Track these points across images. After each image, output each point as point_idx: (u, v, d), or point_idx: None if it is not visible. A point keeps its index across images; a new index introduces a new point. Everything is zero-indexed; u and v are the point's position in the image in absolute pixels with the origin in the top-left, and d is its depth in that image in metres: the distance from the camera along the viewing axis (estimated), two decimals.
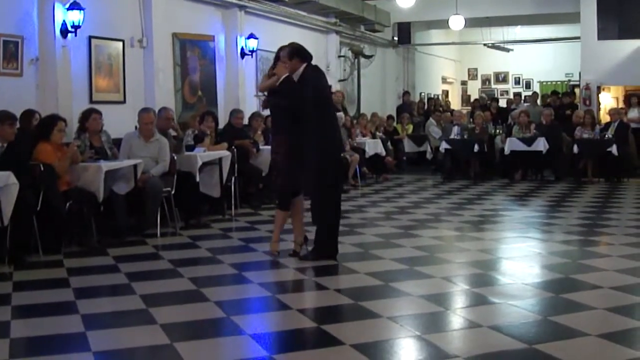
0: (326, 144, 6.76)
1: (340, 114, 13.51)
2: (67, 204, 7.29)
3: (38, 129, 7.82)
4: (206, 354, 4.32)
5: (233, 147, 9.99)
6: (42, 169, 7.13)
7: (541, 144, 13.76)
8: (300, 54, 6.80)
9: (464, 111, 18.67)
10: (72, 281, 6.09)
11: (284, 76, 6.69)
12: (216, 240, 8.13)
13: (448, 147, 14.58)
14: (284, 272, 6.51)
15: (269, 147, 11.09)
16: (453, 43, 24.15)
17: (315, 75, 6.81)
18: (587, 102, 16.62)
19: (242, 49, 13.03)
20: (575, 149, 13.73)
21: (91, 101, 9.78)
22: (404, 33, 20.36)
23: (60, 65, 9.19)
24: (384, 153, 14.78)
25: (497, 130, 15.53)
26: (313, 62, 6.89)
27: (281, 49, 6.98)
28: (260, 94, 7.36)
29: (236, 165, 9.96)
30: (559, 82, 24.26)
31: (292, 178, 6.79)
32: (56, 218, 7.14)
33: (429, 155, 16.18)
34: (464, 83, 26.89)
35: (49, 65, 9.11)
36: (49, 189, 7.10)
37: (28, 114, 8.28)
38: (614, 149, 13.31)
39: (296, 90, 6.67)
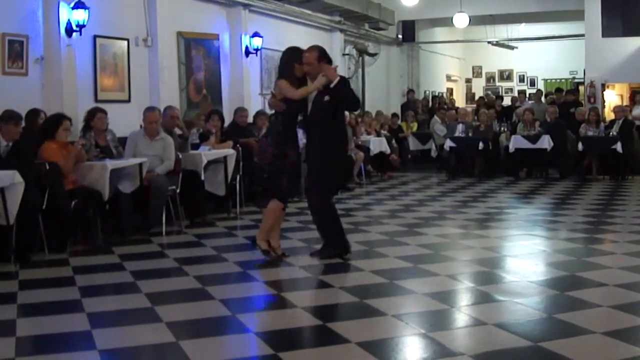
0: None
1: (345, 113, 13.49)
2: (73, 203, 7.30)
3: (43, 128, 7.84)
4: (211, 352, 4.32)
5: (238, 145, 10.00)
6: (47, 167, 7.16)
7: (546, 142, 13.74)
8: (327, 56, 6.76)
9: (469, 109, 18.66)
10: (77, 279, 6.11)
11: (337, 80, 6.50)
12: (221, 239, 8.14)
13: (453, 144, 14.55)
14: (289, 270, 6.51)
15: None
16: (457, 41, 24.10)
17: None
18: (592, 100, 16.61)
19: (246, 47, 13.04)
20: (580, 146, 13.70)
21: (96, 100, 9.80)
22: (409, 31, 20.33)
23: (65, 64, 9.21)
24: (388, 151, 14.77)
25: (502, 128, 15.51)
26: None
27: (291, 51, 6.85)
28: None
29: (241, 164, 9.97)
30: (563, 80, 24.21)
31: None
32: (62, 217, 7.15)
33: (433, 153, 16.18)
34: (468, 81, 26.87)
35: (54, 65, 9.13)
36: (55, 187, 7.12)
37: (33, 113, 8.30)
38: (618, 147, 13.27)
39: (345, 93, 6.61)
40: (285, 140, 6.63)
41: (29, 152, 7.23)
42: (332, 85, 6.49)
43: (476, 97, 22.99)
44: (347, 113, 13.39)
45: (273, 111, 7.03)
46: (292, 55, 6.80)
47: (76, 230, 7.55)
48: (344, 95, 6.61)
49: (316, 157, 6.73)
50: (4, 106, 7.41)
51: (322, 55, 6.68)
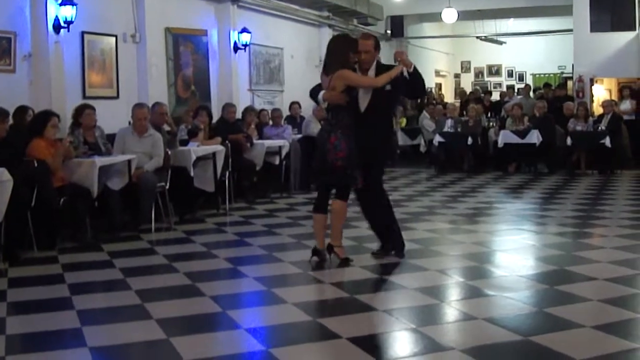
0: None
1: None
2: (61, 200, 7.28)
3: (31, 125, 7.80)
4: (202, 348, 4.31)
5: (227, 141, 9.98)
6: (35, 165, 7.12)
7: (534, 137, 13.79)
8: (380, 44, 6.58)
9: (457, 104, 18.69)
10: (67, 277, 6.09)
11: (412, 65, 6.35)
12: (211, 235, 8.14)
13: (442, 140, 14.60)
14: (279, 266, 6.51)
15: (262, 141, 11.22)
16: (446, 36, 24.16)
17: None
18: (580, 95, 16.67)
19: (235, 43, 13.02)
20: (569, 141, 13.77)
21: (84, 97, 9.76)
22: (397, 26, 20.36)
23: (53, 61, 9.18)
24: None
25: (491, 123, 15.56)
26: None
27: (345, 40, 6.61)
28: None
29: (230, 160, 9.95)
30: (551, 75, 24.30)
31: None
32: (50, 214, 7.13)
33: (422, 149, 16.20)
34: (457, 76, 26.91)
35: (42, 61, 9.10)
36: (43, 185, 7.08)
37: (21, 110, 8.27)
38: (607, 141, 13.35)
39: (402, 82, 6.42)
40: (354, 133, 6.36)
41: (17, 150, 7.19)
42: (410, 70, 6.32)
43: (467, 92, 22.95)
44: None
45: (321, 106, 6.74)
46: (347, 45, 6.42)
47: (65, 227, 7.52)
48: (417, 81, 6.49)
49: (375, 147, 6.42)
50: None
51: (377, 44, 6.51)
